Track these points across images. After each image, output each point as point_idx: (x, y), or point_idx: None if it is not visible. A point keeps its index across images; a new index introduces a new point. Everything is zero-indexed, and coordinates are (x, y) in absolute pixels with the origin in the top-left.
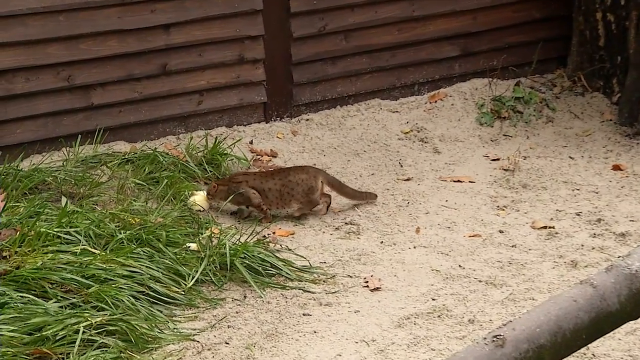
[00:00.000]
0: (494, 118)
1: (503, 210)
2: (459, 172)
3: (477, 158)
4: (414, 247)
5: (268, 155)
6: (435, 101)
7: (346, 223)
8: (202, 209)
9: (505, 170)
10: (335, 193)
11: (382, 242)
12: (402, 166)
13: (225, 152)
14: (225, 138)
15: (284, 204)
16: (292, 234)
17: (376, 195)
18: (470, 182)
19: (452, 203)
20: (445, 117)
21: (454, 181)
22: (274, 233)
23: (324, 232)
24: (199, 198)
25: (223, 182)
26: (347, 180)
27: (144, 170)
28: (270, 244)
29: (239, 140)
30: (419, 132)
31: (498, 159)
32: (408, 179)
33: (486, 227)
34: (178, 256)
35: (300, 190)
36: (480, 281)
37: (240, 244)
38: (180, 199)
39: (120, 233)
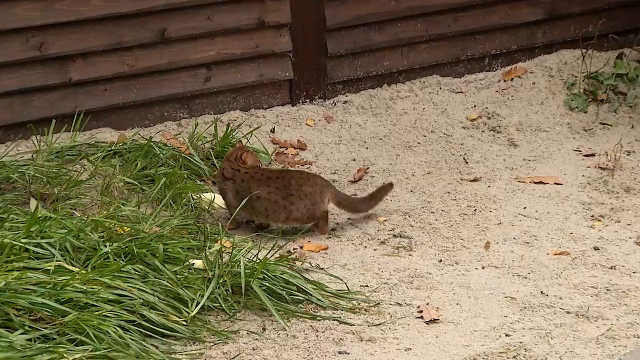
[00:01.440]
0: (588, 101)
1: (599, 220)
2: (541, 170)
3: (566, 153)
4: (482, 268)
5: (294, 148)
6: (511, 79)
7: (394, 235)
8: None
9: (602, 169)
10: (348, 213)
11: (440, 260)
12: (467, 163)
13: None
14: (239, 125)
15: (274, 218)
16: (325, 248)
17: (391, 185)
18: (556, 184)
19: (532, 211)
20: (524, 100)
21: (535, 183)
22: (301, 248)
23: (365, 246)
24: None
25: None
26: (396, 181)
27: (136, 165)
28: (296, 261)
29: (258, 128)
30: (489, 118)
31: (593, 155)
32: (475, 180)
33: (577, 243)
34: (179, 276)
35: (302, 206)
36: (568, 312)
37: (258, 261)
38: (182, 202)
39: (105, 246)
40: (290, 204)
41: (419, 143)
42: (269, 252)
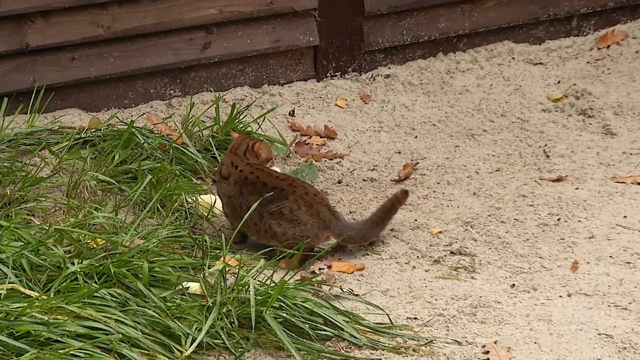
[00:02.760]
0: None
1: None
2: None
3: None
4: (568, 295)
5: (320, 136)
6: (608, 46)
7: (452, 252)
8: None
9: None
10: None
11: (513, 285)
12: (548, 157)
13: (249, 129)
14: (248, 106)
15: (254, 231)
16: (361, 269)
17: (406, 193)
18: None
19: (635, 221)
20: (624, 74)
21: (638, 183)
22: (329, 267)
23: (414, 266)
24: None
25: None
26: (455, 180)
27: (113, 158)
28: (323, 285)
29: (273, 109)
30: (578, 99)
31: None
32: (558, 179)
33: None
34: (169, 304)
35: (289, 233)
36: None
37: (273, 285)
38: (173, 207)
39: (73, 263)
40: (276, 223)
41: (484, 131)
42: (286, 273)
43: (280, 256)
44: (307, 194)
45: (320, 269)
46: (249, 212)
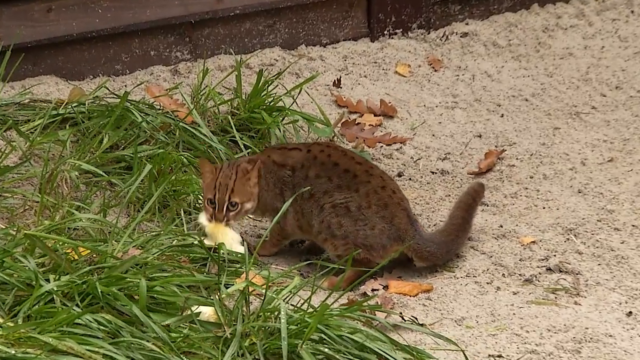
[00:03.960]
0: None
1: None
2: None
3: None
4: None
5: (375, 114)
6: None
7: (549, 269)
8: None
9: None
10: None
11: (630, 312)
12: None
13: (280, 104)
14: (280, 74)
15: (312, 233)
16: (428, 290)
17: (482, 187)
18: None
19: None
20: None
21: None
22: (386, 288)
23: (498, 287)
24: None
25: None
26: (554, 173)
27: (100, 141)
28: (379, 311)
29: (312, 78)
30: None
31: None
32: None
33: None
34: (174, 335)
35: (352, 234)
36: None
37: (311, 310)
38: (180, 206)
39: (49, 280)
40: (337, 222)
41: (593, 108)
42: (329, 295)
43: (323, 271)
44: (383, 188)
45: (374, 289)
46: (286, 205)
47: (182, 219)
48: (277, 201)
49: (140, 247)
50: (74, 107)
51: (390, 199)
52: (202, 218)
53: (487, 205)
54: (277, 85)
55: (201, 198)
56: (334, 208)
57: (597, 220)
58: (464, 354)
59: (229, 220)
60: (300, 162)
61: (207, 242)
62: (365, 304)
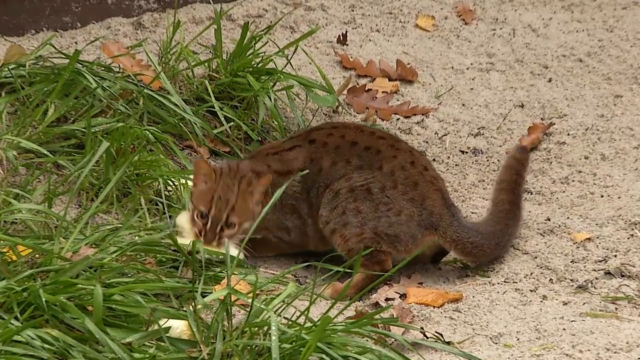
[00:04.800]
0: None
1: None
2: None
3: None
4: None
5: (390, 79)
6: None
7: (608, 272)
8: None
9: None
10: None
11: None
12: None
13: (270, 66)
14: (270, 27)
15: (322, 226)
16: (456, 299)
17: (525, 152)
18: None
19: None
20: None
21: None
22: (403, 296)
23: (544, 296)
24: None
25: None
26: (614, 153)
27: (45, 113)
28: (394, 326)
29: (311, 33)
30: None
31: None
32: None
33: None
34: (138, 355)
35: (371, 224)
36: None
37: (309, 325)
38: (145, 196)
39: None
40: (354, 209)
41: None
42: (332, 306)
43: (325, 276)
44: (413, 164)
45: (388, 299)
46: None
47: (147, 210)
48: (287, 219)
49: (94, 246)
50: (11, 69)
51: (421, 176)
52: (183, 221)
53: (531, 193)
54: (267, 42)
55: (172, 184)
56: (351, 192)
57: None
58: None
59: (220, 242)
60: (308, 159)
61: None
62: (377, 316)
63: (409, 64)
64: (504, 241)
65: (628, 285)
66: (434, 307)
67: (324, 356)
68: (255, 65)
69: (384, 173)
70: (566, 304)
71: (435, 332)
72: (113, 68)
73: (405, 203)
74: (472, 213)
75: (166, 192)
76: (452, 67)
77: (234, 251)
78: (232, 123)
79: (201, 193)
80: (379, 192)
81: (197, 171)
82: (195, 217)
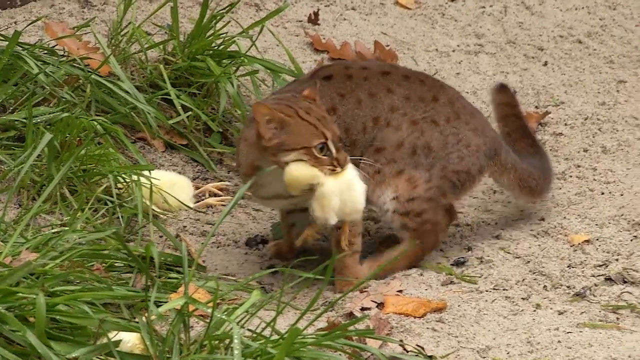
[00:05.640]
0: None
1: None
2: None
3: None
4: None
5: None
6: None
7: (609, 278)
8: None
9: None
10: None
11: None
12: None
13: (233, 48)
14: (232, 5)
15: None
16: (440, 309)
17: (504, 87)
18: None
19: None
20: None
21: None
22: (380, 305)
23: (538, 305)
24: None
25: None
26: (615, 144)
27: None
28: (370, 338)
29: (278, 11)
30: None
31: None
32: None
33: None
34: None
35: (456, 153)
36: None
37: (276, 337)
38: (93, 194)
39: None
40: (422, 142)
41: None
42: (301, 317)
43: (293, 283)
44: (461, 96)
45: (364, 308)
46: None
47: (96, 211)
48: None
49: (36, 250)
50: None
51: (472, 106)
52: (299, 175)
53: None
54: (230, 21)
55: (123, 181)
56: (415, 125)
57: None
58: None
59: (347, 159)
60: (336, 95)
61: (321, 214)
62: (351, 328)
63: (388, 45)
64: (550, 177)
65: (631, 293)
66: (414, 317)
67: None
68: (216, 48)
69: (442, 103)
70: (562, 313)
71: (416, 345)
72: (57, 51)
73: (471, 134)
74: (460, 213)
75: (117, 190)
76: (437, 49)
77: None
78: (190, 112)
79: (296, 133)
80: (445, 123)
81: (262, 116)
82: (316, 154)
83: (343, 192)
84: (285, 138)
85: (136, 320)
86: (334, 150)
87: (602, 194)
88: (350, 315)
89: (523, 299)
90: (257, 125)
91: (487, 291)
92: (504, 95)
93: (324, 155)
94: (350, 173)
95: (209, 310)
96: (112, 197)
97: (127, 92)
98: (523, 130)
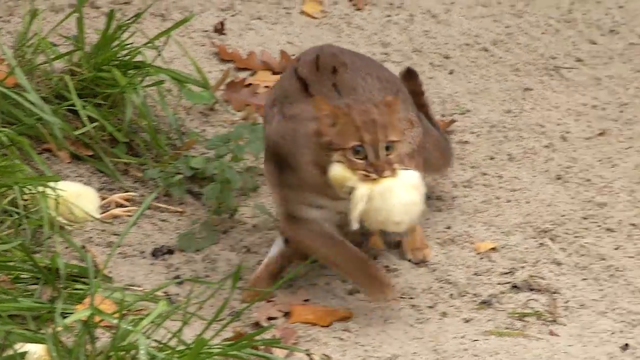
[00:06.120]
0: None
1: None
2: None
3: None
4: None
5: (273, 71)
6: None
7: (515, 286)
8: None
9: None
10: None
11: (626, 345)
12: None
13: (139, 59)
14: (138, 15)
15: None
16: (346, 318)
17: (411, 72)
18: None
19: None
20: None
21: None
22: (286, 315)
23: (444, 313)
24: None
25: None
26: (521, 152)
27: None
28: (276, 347)
29: (184, 21)
30: None
31: None
32: None
33: None
34: None
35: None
36: None
37: (182, 348)
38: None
39: None
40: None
41: (578, 61)
42: (207, 327)
43: (198, 292)
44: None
45: (270, 318)
46: None
47: (1, 222)
48: None
49: None
50: None
51: None
52: (342, 177)
53: (430, 199)
54: (135, 32)
55: (29, 192)
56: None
57: (583, 218)
58: None
59: (393, 168)
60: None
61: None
62: (258, 337)
63: (294, 55)
64: (450, 155)
65: (537, 300)
66: (321, 326)
67: None
68: (121, 59)
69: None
70: (468, 321)
71: (323, 354)
72: None
73: None
74: None
75: (23, 201)
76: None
77: (418, 178)
78: (96, 123)
79: (340, 132)
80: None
81: (323, 110)
82: (350, 158)
83: (375, 199)
84: (333, 136)
85: (42, 331)
86: (371, 156)
87: (508, 201)
88: (257, 324)
89: (429, 307)
90: (318, 121)
91: (392, 299)
92: (407, 73)
93: (359, 159)
94: (393, 183)
95: (115, 321)
96: (18, 208)
97: (32, 103)
98: (425, 113)
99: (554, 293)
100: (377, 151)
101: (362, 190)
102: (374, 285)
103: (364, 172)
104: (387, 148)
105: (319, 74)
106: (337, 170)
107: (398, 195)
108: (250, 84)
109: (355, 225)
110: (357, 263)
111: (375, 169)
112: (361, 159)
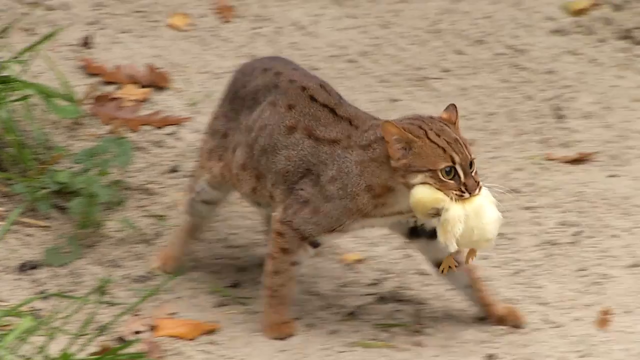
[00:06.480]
0: None
1: None
2: None
3: None
4: None
5: (140, 85)
6: None
7: (382, 297)
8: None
9: None
10: None
11: (490, 356)
12: (561, 117)
13: (5, 73)
14: (4, 29)
15: None
16: (212, 330)
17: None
18: None
19: None
20: None
21: None
22: (152, 328)
23: (310, 324)
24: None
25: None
26: None
27: None
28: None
29: (51, 35)
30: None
31: None
32: (580, 159)
33: None
34: None
35: None
36: None
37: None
38: None
39: None
40: None
41: (446, 71)
42: (73, 341)
43: (64, 307)
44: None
45: (136, 332)
46: None
47: None
48: None
49: None
50: None
51: None
52: (433, 199)
53: None
54: (2, 46)
55: None
56: None
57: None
58: None
59: (480, 185)
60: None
61: (443, 239)
62: (123, 352)
63: (161, 68)
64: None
65: (402, 311)
66: (187, 339)
67: None
68: None
69: None
70: (334, 332)
71: None
72: None
73: None
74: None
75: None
76: (210, 72)
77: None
78: None
79: (423, 154)
80: None
81: (391, 136)
82: (442, 178)
83: (470, 218)
84: (413, 159)
85: None
86: (462, 175)
87: None
88: (121, 340)
89: (295, 319)
90: (386, 144)
91: (259, 312)
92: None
93: (450, 180)
94: (482, 200)
95: None
96: None
97: None
98: None
99: (420, 304)
100: (467, 170)
101: (457, 210)
102: (276, 324)
103: (457, 192)
104: (470, 165)
105: (331, 97)
106: (425, 193)
107: (489, 212)
108: (117, 98)
109: (453, 247)
110: (283, 299)
111: (467, 188)
112: (451, 179)
